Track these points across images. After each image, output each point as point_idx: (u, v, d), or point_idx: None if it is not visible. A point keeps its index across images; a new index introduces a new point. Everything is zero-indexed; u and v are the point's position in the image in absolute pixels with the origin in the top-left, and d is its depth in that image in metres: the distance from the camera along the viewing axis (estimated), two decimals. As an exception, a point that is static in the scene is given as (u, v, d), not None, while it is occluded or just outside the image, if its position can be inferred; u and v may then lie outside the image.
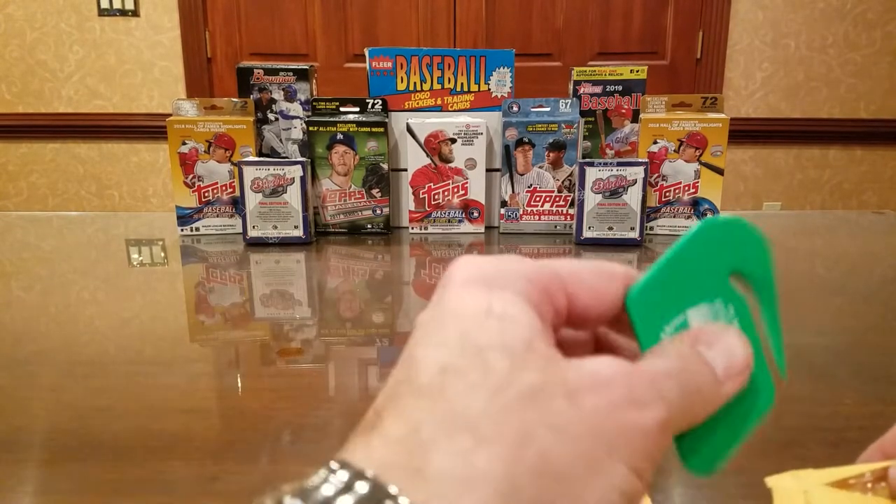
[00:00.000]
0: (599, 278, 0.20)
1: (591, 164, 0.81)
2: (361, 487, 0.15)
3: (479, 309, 0.18)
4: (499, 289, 0.18)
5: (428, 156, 0.88)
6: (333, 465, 0.15)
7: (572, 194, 0.88)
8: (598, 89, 0.92)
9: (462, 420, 0.15)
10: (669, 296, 0.19)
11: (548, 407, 0.16)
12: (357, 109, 0.88)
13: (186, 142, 0.87)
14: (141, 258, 0.81)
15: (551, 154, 0.87)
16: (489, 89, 0.91)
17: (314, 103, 0.88)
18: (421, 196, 0.89)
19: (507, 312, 0.18)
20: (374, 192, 0.89)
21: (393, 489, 0.14)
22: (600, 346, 0.22)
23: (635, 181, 0.81)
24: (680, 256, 0.19)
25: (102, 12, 2.33)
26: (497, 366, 0.16)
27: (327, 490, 0.15)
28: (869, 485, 0.23)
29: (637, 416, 0.16)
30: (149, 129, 2.40)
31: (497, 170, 0.91)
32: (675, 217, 0.87)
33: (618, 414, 0.16)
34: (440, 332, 0.18)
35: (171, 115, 0.87)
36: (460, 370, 0.16)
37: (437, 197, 0.89)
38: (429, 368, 0.17)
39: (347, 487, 0.15)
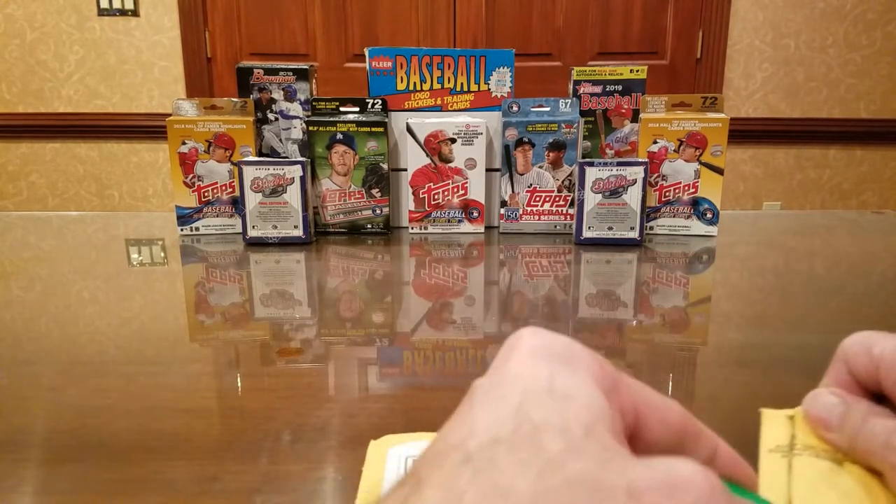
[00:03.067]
0: (668, 407, 0.20)
1: (591, 164, 0.81)
2: None
3: (540, 382, 0.17)
4: (565, 364, 0.18)
5: (428, 156, 0.88)
6: None
7: (572, 194, 0.88)
8: (598, 89, 0.92)
9: (502, 495, 0.14)
10: None
11: (601, 502, 0.14)
12: (357, 109, 0.88)
13: (186, 142, 0.87)
14: (141, 258, 0.81)
15: (551, 154, 0.87)
16: (489, 89, 0.91)
17: (314, 103, 0.88)
18: (421, 196, 0.89)
19: (569, 392, 0.17)
20: (374, 191, 0.89)
21: None
22: None
23: (635, 181, 0.81)
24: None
25: (102, 12, 2.33)
26: (549, 446, 0.15)
27: None
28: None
29: None
30: (149, 128, 2.40)
31: (497, 170, 0.91)
32: (674, 217, 0.87)
33: None
34: (498, 401, 0.17)
35: (170, 114, 0.87)
36: (513, 444, 0.15)
37: (436, 197, 0.89)
38: (480, 437, 0.16)
39: None
